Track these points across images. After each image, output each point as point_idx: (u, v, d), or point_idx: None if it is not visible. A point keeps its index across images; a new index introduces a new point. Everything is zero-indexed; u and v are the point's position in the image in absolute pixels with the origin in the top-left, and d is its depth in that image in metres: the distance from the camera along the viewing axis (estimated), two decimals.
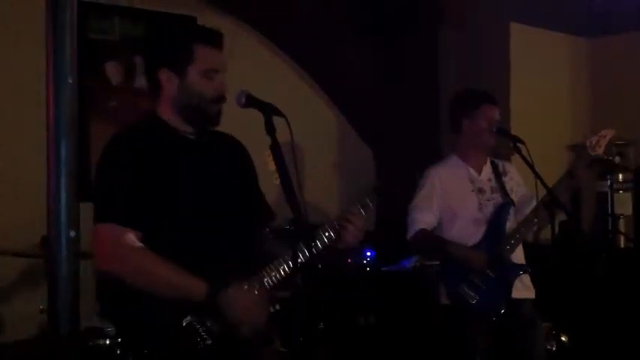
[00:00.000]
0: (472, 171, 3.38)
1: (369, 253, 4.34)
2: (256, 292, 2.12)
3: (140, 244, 2.06)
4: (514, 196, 3.37)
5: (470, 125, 3.33)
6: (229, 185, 2.25)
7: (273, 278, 2.16)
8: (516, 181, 3.46)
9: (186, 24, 2.40)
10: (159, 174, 2.12)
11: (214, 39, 2.21)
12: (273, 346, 2.50)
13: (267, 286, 2.15)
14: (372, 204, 2.29)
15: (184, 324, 2.05)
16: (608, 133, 3.23)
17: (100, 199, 2.12)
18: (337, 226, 2.20)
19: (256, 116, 2.08)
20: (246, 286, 2.11)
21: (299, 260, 2.08)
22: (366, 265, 4.32)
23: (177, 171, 2.16)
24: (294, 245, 2.05)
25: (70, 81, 1.02)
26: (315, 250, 2.15)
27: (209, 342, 2.06)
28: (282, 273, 2.16)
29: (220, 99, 2.18)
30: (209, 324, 2.07)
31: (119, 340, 2.50)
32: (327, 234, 2.20)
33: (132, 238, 2.05)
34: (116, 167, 2.14)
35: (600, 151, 3.24)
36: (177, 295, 2.04)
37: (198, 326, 2.06)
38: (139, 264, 2.06)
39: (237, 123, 2.31)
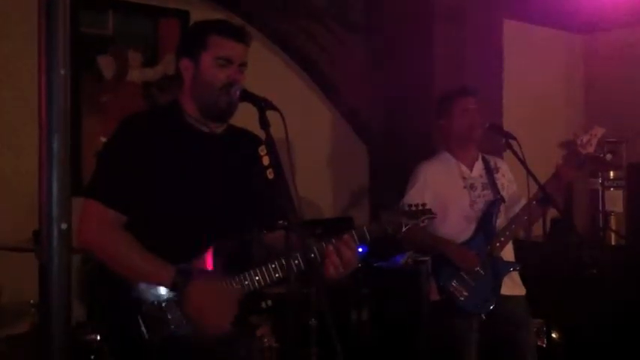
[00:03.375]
0: (463, 167, 3.39)
1: (361, 249, 4.33)
2: (223, 290, 2.08)
3: (119, 227, 2.08)
4: (505, 193, 3.38)
5: (448, 121, 3.36)
6: (231, 182, 2.23)
7: (255, 283, 2.12)
8: (508, 178, 3.47)
9: (210, 20, 2.38)
10: (158, 163, 2.12)
11: (231, 31, 2.21)
12: (254, 340, 2.46)
13: (247, 290, 2.12)
14: (369, 236, 2.23)
15: (164, 305, 2.06)
16: (599, 132, 3.24)
17: (95, 176, 2.16)
18: (324, 249, 2.12)
19: (251, 110, 2.08)
20: (214, 282, 2.08)
21: (277, 275, 2.10)
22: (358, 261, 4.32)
23: (178, 162, 2.16)
24: (285, 255, 2.06)
25: (62, 73, 1.01)
26: (297, 268, 2.09)
27: (172, 327, 2.07)
28: (263, 282, 2.13)
29: (230, 86, 2.15)
30: (171, 314, 2.07)
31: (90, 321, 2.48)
32: (312, 255, 2.12)
33: (112, 219, 2.08)
34: (117, 149, 2.17)
35: (591, 149, 3.24)
36: (145, 282, 2.06)
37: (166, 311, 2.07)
38: (112, 246, 2.08)
39: (232, 117, 2.30)
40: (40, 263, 1.07)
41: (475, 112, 3.31)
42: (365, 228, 2.23)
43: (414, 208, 2.36)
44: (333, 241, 2.15)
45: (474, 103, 3.34)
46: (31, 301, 3.27)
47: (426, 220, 2.40)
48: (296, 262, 2.10)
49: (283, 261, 2.11)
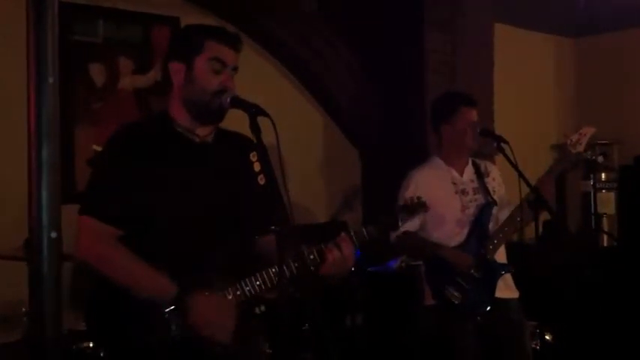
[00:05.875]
0: (454, 173, 3.40)
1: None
2: (223, 304, 2.10)
3: (115, 241, 2.09)
4: (496, 197, 3.39)
5: (450, 129, 3.35)
6: (223, 190, 2.22)
7: (256, 288, 2.14)
8: (498, 181, 3.48)
9: (205, 25, 2.39)
10: (150, 175, 2.12)
11: (227, 38, 2.21)
12: (255, 346, 2.46)
13: (248, 295, 2.13)
14: (367, 237, 2.23)
15: (166, 315, 2.06)
16: (589, 131, 3.27)
17: (88, 192, 2.17)
18: (324, 250, 2.14)
19: (241, 117, 2.08)
20: (214, 295, 2.09)
21: (277, 279, 2.10)
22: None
23: (170, 174, 2.15)
24: (280, 259, 2.06)
25: (51, 81, 1.01)
26: (297, 270, 2.11)
27: (177, 337, 2.07)
28: (264, 286, 2.14)
29: (222, 93, 2.15)
30: (174, 326, 2.07)
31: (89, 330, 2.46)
32: (311, 256, 2.14)
33: (109, 234, 2.09)
34: (108, 163, 2.18)
35: (581, 148, 3.27)
36: (146, 295, 2.06)
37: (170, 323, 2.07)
38: (111, 261, 2.08)
39: (222, 123, 2.30)
40: (31, 271, 1.07)
41: (477, 125, 3.33)
42: (363, 227, 2.24)
43: (409, 202, 2.38)
44: (333, 241, 2.17)
45: (477, 115, 3.36)
46: (23, 309, 3.26)
47: (422, 212, 2.42)
48: (296, 264, 2.10)
49: (283, 264, 2.11)
